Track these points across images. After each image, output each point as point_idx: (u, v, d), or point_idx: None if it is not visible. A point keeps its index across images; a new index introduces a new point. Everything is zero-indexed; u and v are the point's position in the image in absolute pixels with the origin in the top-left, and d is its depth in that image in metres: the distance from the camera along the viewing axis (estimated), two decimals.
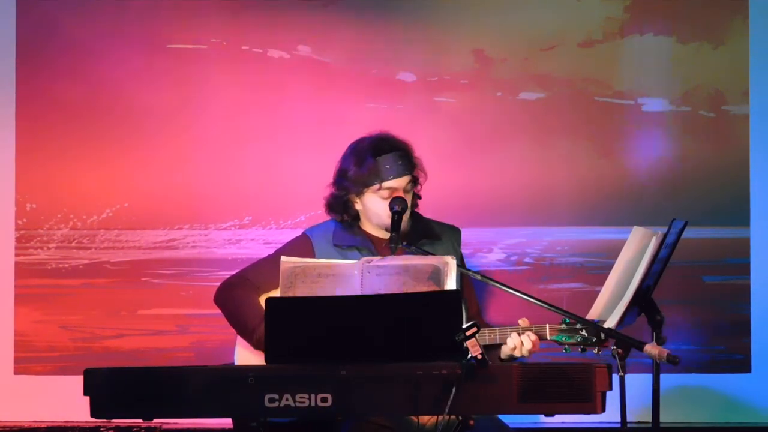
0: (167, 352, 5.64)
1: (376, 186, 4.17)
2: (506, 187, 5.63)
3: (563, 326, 3.99)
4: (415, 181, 4.25)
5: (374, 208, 4.21)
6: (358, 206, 4.26)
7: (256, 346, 4.10)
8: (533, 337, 3.98)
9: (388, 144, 4.21)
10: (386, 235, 4.16)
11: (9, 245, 5.70)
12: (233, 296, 4.24)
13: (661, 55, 5.65)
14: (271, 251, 4.38)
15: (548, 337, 4.00)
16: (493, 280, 3.88)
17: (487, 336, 4.01)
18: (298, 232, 4.43)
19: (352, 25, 5.66)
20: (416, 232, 4.27)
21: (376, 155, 4.17)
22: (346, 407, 3.37)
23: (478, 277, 3.97)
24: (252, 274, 4.28)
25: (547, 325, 4.02)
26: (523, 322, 4.03)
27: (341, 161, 4.27)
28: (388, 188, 4.17)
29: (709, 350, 5.59)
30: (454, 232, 4.38)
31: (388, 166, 4.16)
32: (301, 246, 4.29)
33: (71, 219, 5.70)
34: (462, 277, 4.30)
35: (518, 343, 3.96)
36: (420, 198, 4.33)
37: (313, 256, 4.23)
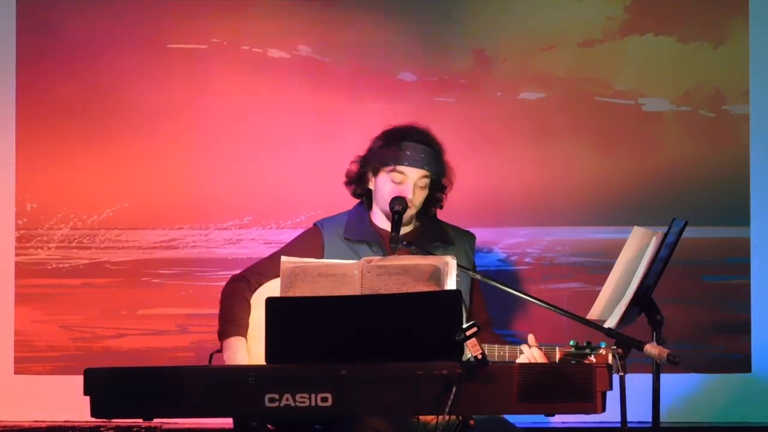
0: (167, 352, 5.64)
1: (390, 167, 4.22)
2: (506, 186, 5.62)
3: (572, 350, 3.98)
4: (433, 182, 4.27)
5: (383, 190, 4.25)
6: (371, 185, 4.31)
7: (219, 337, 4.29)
8: (541, 356, 3.99)
9: (418, 135, 4.29)
10: None
11: (9, 245, 5.69)
12: (229, 290, 4.32)
13: (661, 55, 5.65)
14: (271, 251, 4.40)
15: (557, 361, 4.00)
16: (494, 280, 3.88)
17: (496, 353, 4.02)
18: (299, 232, 4.44)
19: (352, 25, 5.66)
20: (429, 234, 4.30)
21: (402, 140, 4.25)
22: (346, 407, 3.37)
23: (479, 276, 3.98)
24: (260, 268, 4.33)
25: (557, 348, 4.01)
26: (531, 339, 4.03)
27: (374, 138, 4.34)
28: (400, 173, 4.22)
29: (709, 350, 5.58)
30: (468, 237, 4.41)
31: (408, 153, 4.23)
32: (311, 238, 4.33)
33: (71, 219, 5.70)
34: (472, 286, 4.31)
35: None
36: (441, 205, 4.35)
37: (321, 248, 4.26)
